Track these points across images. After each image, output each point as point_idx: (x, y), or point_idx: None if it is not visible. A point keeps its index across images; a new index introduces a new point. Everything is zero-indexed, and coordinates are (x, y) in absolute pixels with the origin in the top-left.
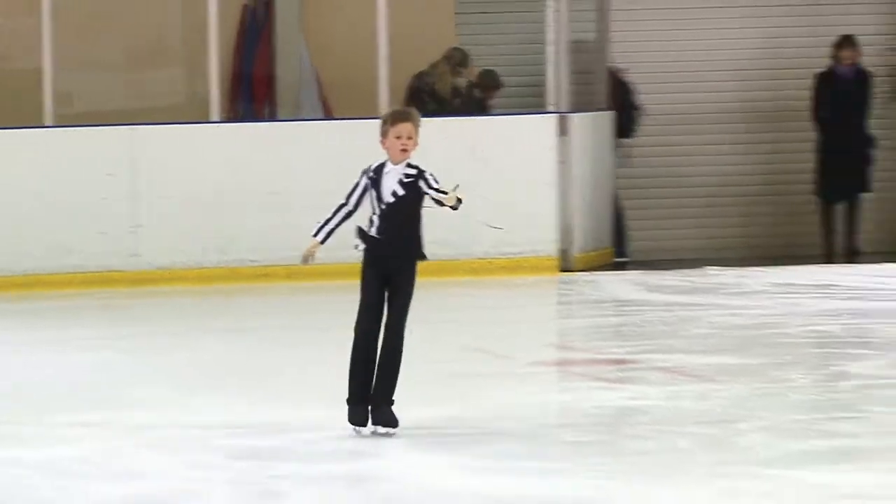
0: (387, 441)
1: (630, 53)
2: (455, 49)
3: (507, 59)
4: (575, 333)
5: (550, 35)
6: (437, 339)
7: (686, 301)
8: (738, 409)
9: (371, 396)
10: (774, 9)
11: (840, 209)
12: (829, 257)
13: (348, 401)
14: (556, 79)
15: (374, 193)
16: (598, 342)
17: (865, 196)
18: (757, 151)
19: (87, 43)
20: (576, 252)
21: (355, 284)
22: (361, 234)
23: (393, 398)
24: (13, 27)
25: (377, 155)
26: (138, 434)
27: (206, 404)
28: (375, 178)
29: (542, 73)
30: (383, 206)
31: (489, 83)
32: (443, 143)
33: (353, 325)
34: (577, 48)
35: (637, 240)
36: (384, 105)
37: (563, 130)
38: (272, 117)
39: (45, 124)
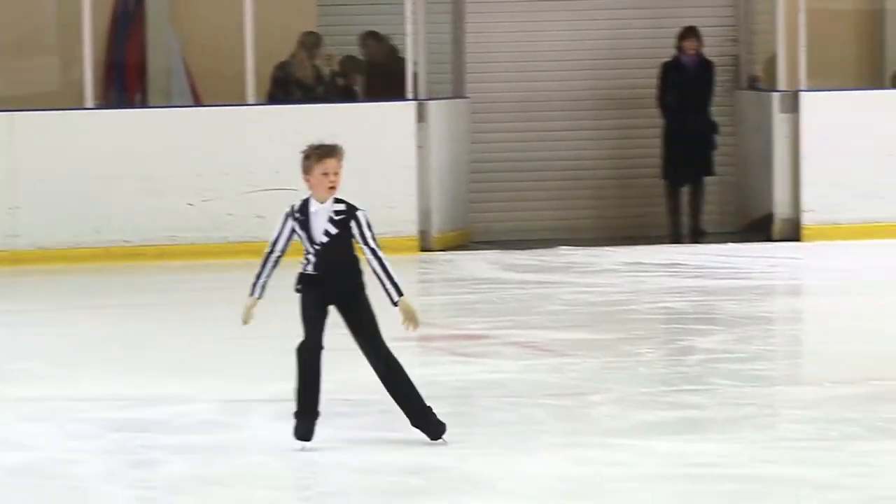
0: (253, 413)
1: (486, 44)
2: (307, 33)
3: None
4: (435, 310)
5: (409, 26)
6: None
7: (540, 279)
8: (590, 381)
9: (412, 417)
10: (622, 2)
11: (685, 192)
12: (675, 238)
13: (296, 415)
14: (415, 68)
15: (303, 234)
16: (457, 318)
17: (709, 179)
18: (606, 137)
19: None
20: (434, 233)
21: (224, 264)
22: (300, 277)
23: (428, 405)
24: None
25: (243, 140)
26: (16, 406)
27: (81, 378)
28: (303, 219)
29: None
30: (317, 247)
31: (352, 68)
32: (306, 130)
33: (220, 301)
34: (435, 39)
35: (493, 221)
36: (252, 93)
37: (421, 117)
38: (144, 104)
39: None
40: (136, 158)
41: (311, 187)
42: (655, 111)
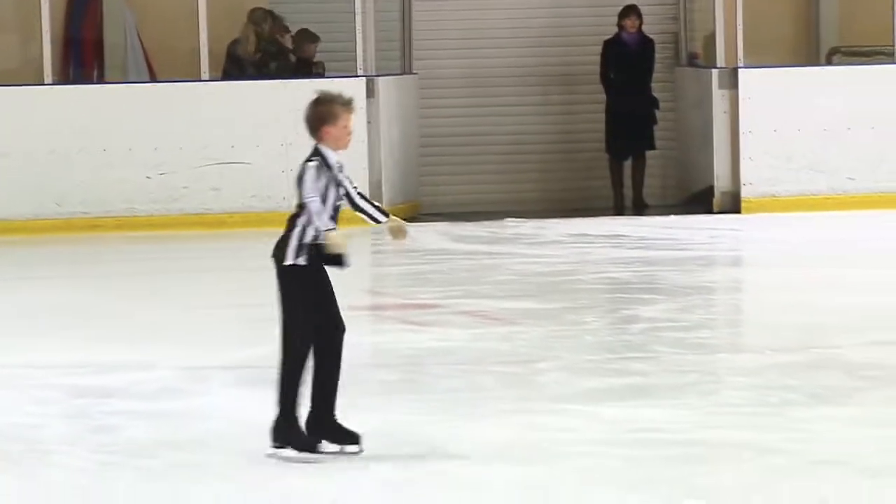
0: (212, 380)
1: (434, 21)
2: (255, 9)
3: (318, 28)
4: (386, 280)
5: (357, 4)
6: (254, 285)
7: (488, 250)
8: (537, 349)
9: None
10: None
11: (628, 166)
12: (618, 210)
13: (309, 421)
14: (364, 45)
15: (334, 193)
16: (408, 288)
17: (650, 154)
18: (551, 113)
19: None
20: (385, 205)
21: (181, 234)
22: (316, 247)
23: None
24: None
25: (198, 115)
26: None
27: (44, 346)
28: (333, 174)
29: (352, 40)
30: (338, 204)
31: (306, 39)
32: (260, 105)
33: (178, 270)
34: (383, 17)
35: (441, 193)
36: (206, 69)
37: (370, 93)
38: (101, 80)
39: None
40: (94, 133)
41: (327, 138)
42: (598, 87)
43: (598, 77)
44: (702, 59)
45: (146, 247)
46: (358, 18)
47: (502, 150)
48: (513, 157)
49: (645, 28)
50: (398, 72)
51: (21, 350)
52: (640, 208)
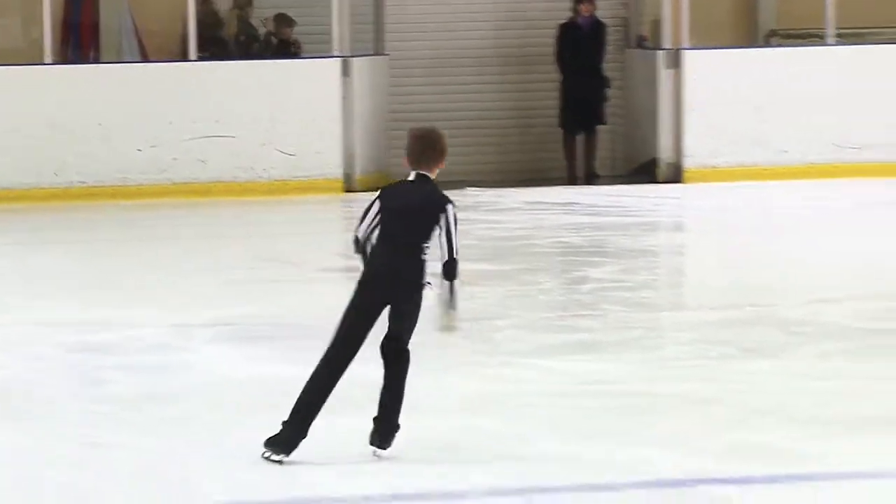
0: (195, 337)
1: (404, 6)
2: None
3: (296, 11)
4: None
5: None
6: (237, 250)
7: None
8: (496, 308)
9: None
10: None
11: (580, 139)
12: (571, 180)
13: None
14: (340, 27)
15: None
16: None
17: (601, 128)
18: (510, 90)
19: None
20: (358, 175)
21: (169, 203)
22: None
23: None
24: None
25: (186, 92)
26: None
27: (43, 306)
28: None
29: (328, 23)
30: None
31: (284, 22)
32: (243, 84)
33: (167, 236)
34: (357, 1)
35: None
36: (193, 50)
37: (345, 72)
38: (97, 60)
39: None
40: (90, 109)
41: (436, 171)
42: (554, 67)
43: (553, 58)
44: (649, 42)
45: (138, 214)
46: (334, 1)
47: (464, 125)
48: (474, 132)
49: (598, 12)
50: (371, 52)
51: (20, 310)
52: (590, 178)
